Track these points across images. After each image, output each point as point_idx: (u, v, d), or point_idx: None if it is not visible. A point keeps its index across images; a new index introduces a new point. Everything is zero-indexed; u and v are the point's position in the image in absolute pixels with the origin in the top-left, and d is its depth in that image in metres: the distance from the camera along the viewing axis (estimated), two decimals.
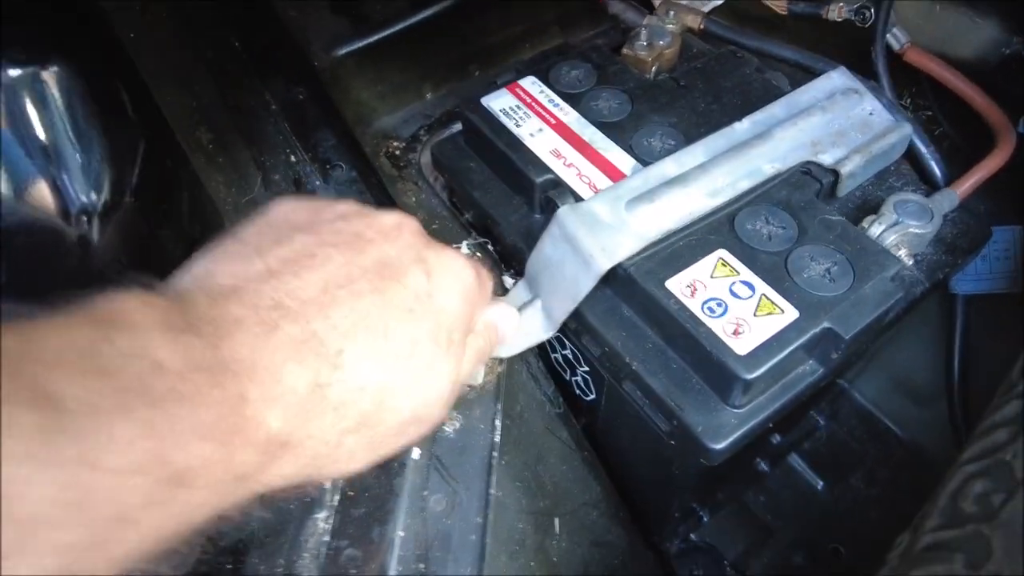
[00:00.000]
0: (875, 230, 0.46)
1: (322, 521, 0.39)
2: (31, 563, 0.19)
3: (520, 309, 0.44)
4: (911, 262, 0.47)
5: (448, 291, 0.33)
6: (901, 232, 0.46)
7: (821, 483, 0.66)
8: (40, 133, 0.39)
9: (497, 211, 0.49)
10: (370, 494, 0.40)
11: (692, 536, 0.62)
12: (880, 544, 0.63)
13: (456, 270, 0.34)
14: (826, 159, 0.48)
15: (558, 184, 0.46)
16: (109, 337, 0.22)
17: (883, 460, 0.67)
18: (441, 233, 0.51)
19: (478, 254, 0.50)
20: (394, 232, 0.33)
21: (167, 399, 0.22)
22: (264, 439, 0.25)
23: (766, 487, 0.65)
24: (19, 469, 0.19)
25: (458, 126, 0.54)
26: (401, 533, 0.38)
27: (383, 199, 0.50)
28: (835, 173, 0.47)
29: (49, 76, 0.38)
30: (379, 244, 0.32)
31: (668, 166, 0.44)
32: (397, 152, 0.55)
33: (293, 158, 0.48)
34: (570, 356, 0.52)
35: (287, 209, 0.32)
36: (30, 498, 0.19)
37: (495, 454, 0.41)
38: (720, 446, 0.39)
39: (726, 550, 0.61)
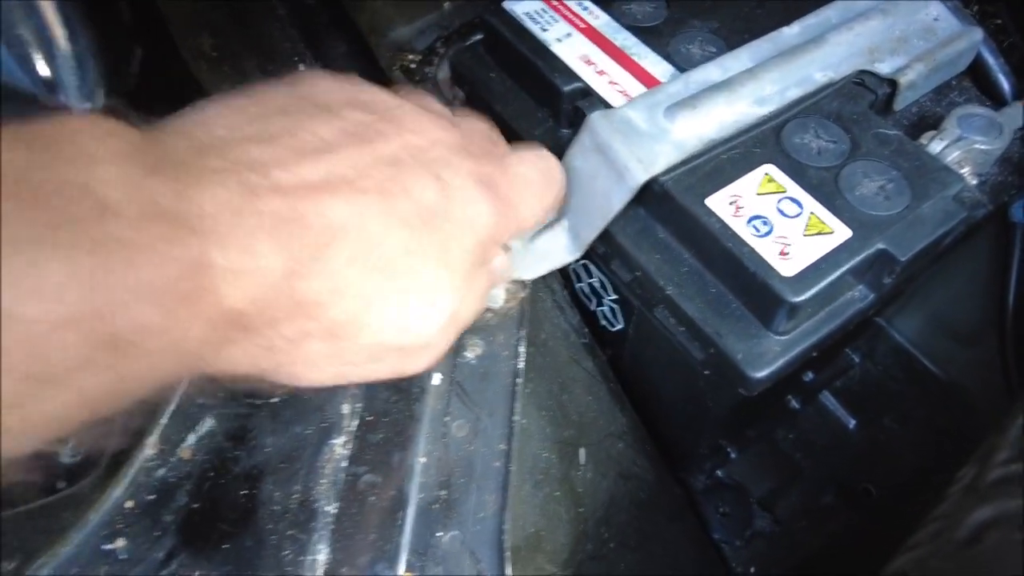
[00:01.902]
0: (935, 146, 0.42)
1: (339, 446, 0.37)
2: None
3: (544, 230, 0.42)
4: (975, 182, 0.43)
5: (460, 220, 0.29)
6: (965, 149, 0.42)
7: (853, 422, 0.64)
8: (24, 31, 0.36)
9: (520, 125, 0.45)
10: (389, 419, 0.38)
11: (718, 472, 0.60)
12: (913, 485, 0.61)
13: (473, 201, 0.30)
14: (883, 68, 0.43)
15: (588, 93, 0.42)
16: (48, 162, 0.19)
17: (919, 401, 0.64)
18: None
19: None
20: (419, 139, 0.29)
21: (108, 247, 0.19)
22: (218, 315, 0.22)
23: (797, 425, 0.63)
24: None
25: (478, 37, 0.50)
26: (422, 459, 0.37)
27: None
28: (892, 84, 0.43)
29: None
30: (398, 148, 0.28)
31: (711, 71, 0.40)
32: (412, 66, 0.52)
33: (302, 67, 0.45)
34: (597, 285, 0.49)
35: (315, 81, 0.29)
36: None
37: (519, 381, 0.39)
38: (761, 375, 0.36)
39: (753, 487, 0.60)
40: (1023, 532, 0.23)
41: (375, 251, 0.26)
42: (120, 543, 0.34)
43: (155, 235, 0.20)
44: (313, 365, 0.27)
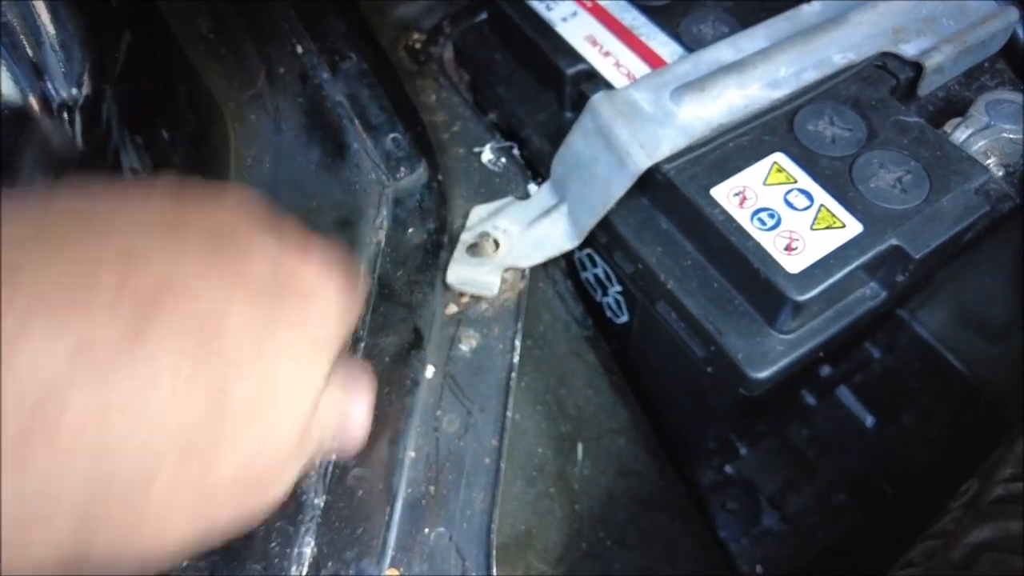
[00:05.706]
0: (960, 135, 0.39)
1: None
2: None
3: (543, 215, 0.40)
4: (1001, 173, 0.40)
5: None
6: (992, 138, 0.39)
7: (871, 419, 0.61)
8: (11, 18, 0.36)
9: (523, 109, 0.44)
10: (380, 412, 0.37)
11: (727, 468, 0.59)
12: (930, 487, 0.59)
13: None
14: (908, 50, 0.41)
15: (592, 76, 0.41)
16: None
17: (942, 398, 0.62)
18: (463, 136, 0.46)
19: (503, 159, 0.45)
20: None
21: None
22: None
23: (811, 421, 0.61)
24: None
25: (484, 16, 0.48)
26: (411, 453, 0.36)
27: (397, 97, 0.46)
28: (917, 67, 0.41)
29: None
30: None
31: (722, 51, 0.38)
32: (417, 46, 0.50)
33: (299, 49, 0.44)
34: (601, 275, 0.48)
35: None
36: None
37: (513, 375, 0.38)
38: (762, 375, 0.35)
39: (763, 484, 0.58)
40: (1023, 557, 0.22)
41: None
42: None
43: None
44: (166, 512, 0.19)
